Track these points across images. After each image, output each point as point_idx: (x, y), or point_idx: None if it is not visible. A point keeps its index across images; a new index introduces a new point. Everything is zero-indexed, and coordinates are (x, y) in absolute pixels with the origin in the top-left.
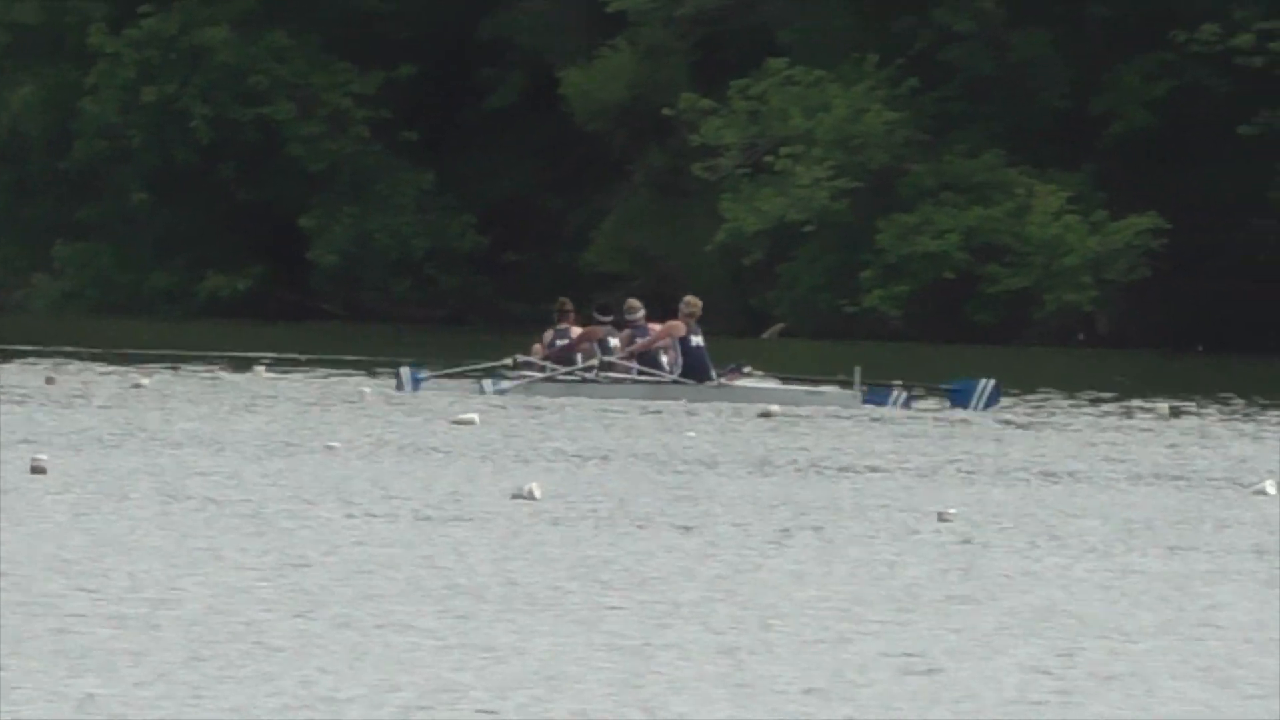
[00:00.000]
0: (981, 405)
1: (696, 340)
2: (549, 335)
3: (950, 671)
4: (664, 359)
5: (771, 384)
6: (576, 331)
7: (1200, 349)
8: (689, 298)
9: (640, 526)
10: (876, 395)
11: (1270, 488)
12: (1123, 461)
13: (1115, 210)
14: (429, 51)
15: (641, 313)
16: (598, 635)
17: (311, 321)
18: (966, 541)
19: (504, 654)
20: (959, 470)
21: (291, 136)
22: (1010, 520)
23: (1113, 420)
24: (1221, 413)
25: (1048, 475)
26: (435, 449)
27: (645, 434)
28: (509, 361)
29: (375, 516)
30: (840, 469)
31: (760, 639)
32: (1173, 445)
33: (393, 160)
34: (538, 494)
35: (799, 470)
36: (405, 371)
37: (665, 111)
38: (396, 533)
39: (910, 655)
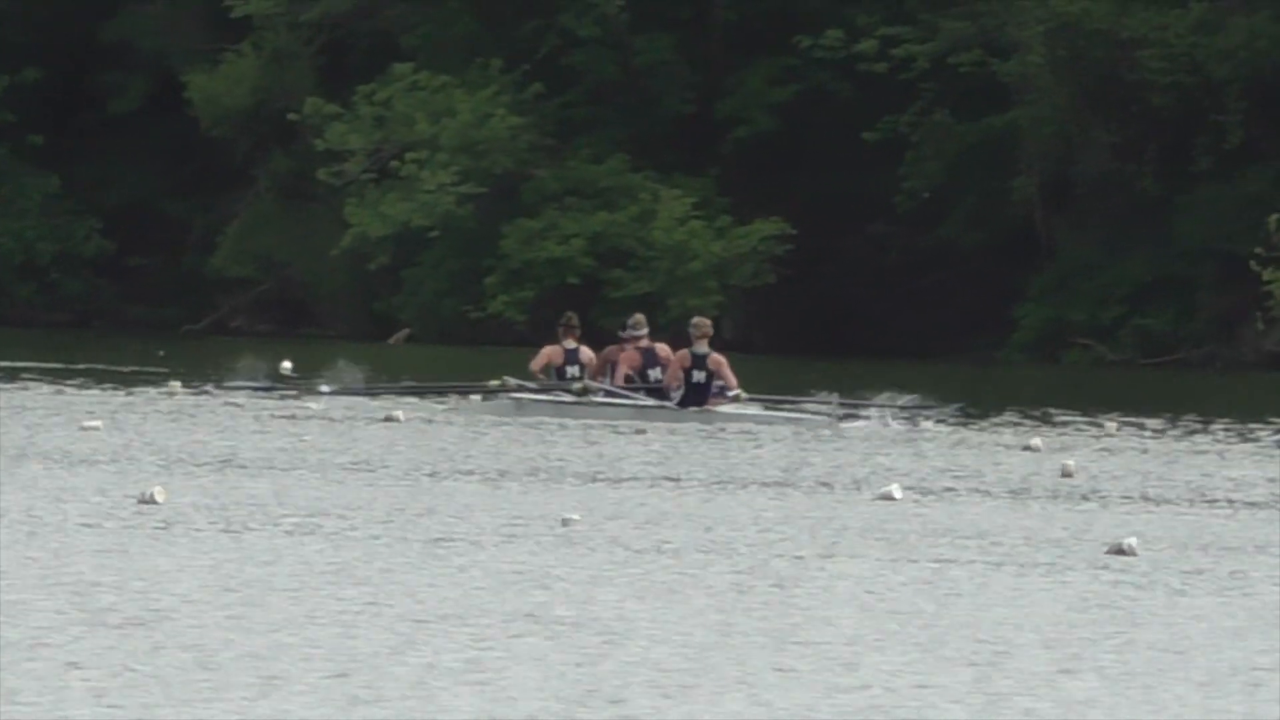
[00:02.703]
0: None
1: (699, 376)
2: (555, 354)
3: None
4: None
5: (753, 409)
6: (587, 352)
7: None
8: (697, 319)
9: (252, 530)
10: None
11: (896, 492)
12: (754, 466)
13: (740, 215)
14: (53, 55)
15: (645, 330)
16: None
17: None
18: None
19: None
20: (577, 474)
21: None
22: (631, 524)
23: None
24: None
25: (685, 482)
26: (59, 454)
27: (271, 438)
28: (496, 383)
29: None
30: (458, 473)
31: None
32: (800, 450)
33: (17, 164)
34: (160, 499)
35: (406, 475)
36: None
37: (290, 116)
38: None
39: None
